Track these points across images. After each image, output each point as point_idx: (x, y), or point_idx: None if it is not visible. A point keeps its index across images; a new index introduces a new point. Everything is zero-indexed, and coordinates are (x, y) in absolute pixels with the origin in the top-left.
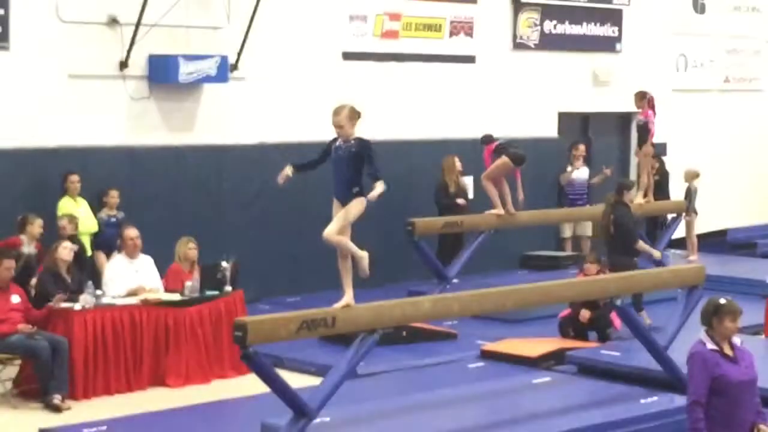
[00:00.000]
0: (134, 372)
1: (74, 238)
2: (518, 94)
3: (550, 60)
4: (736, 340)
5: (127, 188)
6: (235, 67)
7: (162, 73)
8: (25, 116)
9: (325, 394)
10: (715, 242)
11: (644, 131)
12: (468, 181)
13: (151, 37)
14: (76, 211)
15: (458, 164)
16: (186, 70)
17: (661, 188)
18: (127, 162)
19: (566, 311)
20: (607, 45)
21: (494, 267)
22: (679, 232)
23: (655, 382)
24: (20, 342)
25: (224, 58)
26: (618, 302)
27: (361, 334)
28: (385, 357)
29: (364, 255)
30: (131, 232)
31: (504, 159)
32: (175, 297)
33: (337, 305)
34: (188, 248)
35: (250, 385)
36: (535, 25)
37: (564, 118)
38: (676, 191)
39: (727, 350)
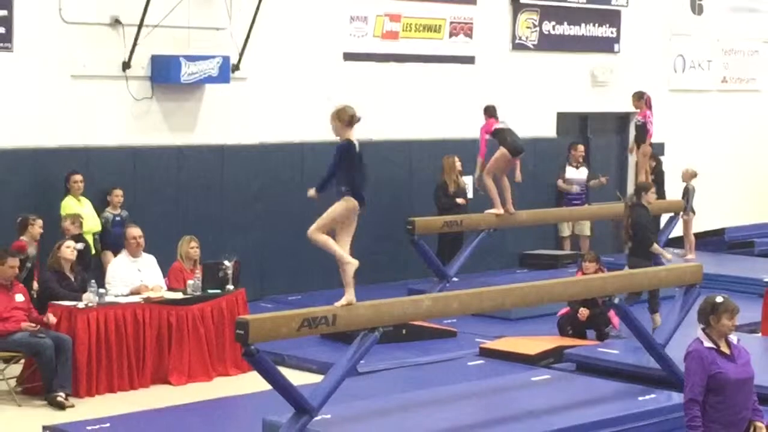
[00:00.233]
0: (137, 370)
1: (79, 237)
2: (517, 95)
3: (548, 60)
4: (733, 338)
5: (129, 188)
6: (236, 67)
7: (164, 74)
8: (29, 116)
9: (326, 392)
10: (713, 241)
11: (642, 131)
12: (468, 181)
13: (154, 38)
14: (80, 211)
15: (458, 164)
16: (188, 71)
17: (657, 188)
18: (130, 162)
19: (565, 309)
20: (606, 46)
21: (493, 266)
22: (677, 232)
23: (652, 379)
24: (24, 340)
25: (226, 59)
26: (616, 300)
27: (361, 332)
28: (386, 355)
29: (351, 261)
30: (134, 231)
31: (502, 151)
32: (178, 295)
33: (338, 303)
34: (190, 247)
35: (252, 382)
36: (534, 25)
37: (562, 119)
38: (674, 191)
39: (724, 348)
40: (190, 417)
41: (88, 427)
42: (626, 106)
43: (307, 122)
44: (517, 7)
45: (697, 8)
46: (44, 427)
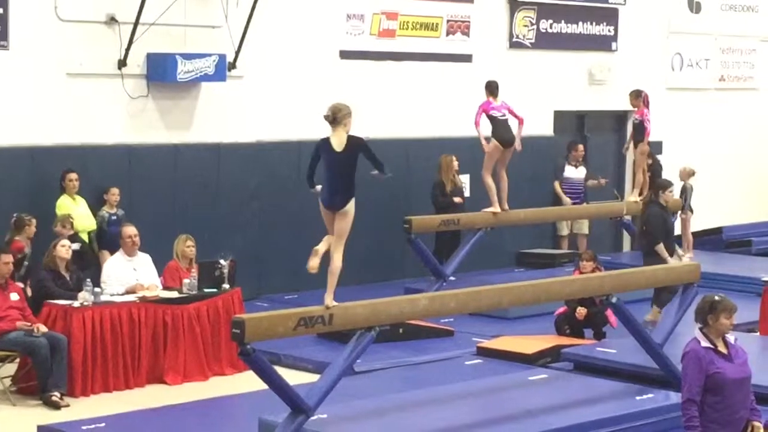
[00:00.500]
0: (133, 369)
1: (75, 237)
2: (514, 93)
3: (546, 59)
4: (731, 337)
5: (125, 186)
6: (232, 65)
7: (160, 72)
8: (24, 114)
9: (322, 391)
10: (711, 240)
11: (640, 129)
12: (465, 180)
13: (150, 36)
14: (75, 210)
15: (455, 163)
16: (184, 69)
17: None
18: (125, 160)
19: (562, 308)
20: (603, 44)
21: (491, 265)
22: (675, 230)
23: (650, 379)
24: (19, 339)
25: (222, 57)
26: (614, 299)
27: (358, 331)
28: (382, 354)
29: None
30: (130, 230)
31: (494, 143)
32: (174, 294)
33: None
34: (186, 246)
35: (248, 382)
36: (532, 24)
37: (560, 117)
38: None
39: (722, 348)
40: (185, 417)
41: (84, 427)
42: (624, 104)
43: (303, 120)
44: (514, 6)
45: (694, 6)
46: (39, 427)
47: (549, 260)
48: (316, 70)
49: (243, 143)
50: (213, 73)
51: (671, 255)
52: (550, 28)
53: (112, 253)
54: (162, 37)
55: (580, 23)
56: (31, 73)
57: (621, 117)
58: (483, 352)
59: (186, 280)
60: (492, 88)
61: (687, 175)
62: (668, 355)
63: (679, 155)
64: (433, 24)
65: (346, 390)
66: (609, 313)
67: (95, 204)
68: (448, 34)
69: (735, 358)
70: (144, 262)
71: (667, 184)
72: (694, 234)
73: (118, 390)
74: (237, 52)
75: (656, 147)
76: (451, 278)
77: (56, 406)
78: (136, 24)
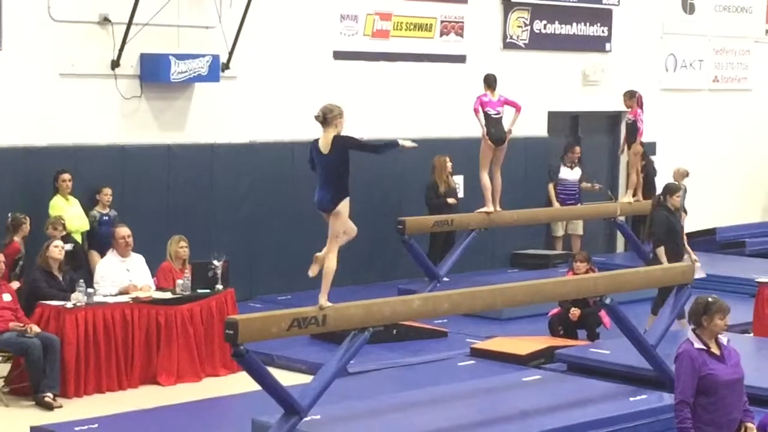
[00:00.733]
0: (126, 370)
1: (68, 238)
2: (508, 94)
3: (540, 59)
4: (723, 338)
5: (118, 187)
6: (226, 66)
7: (153, 72)
8: (17, 115)
9: (315, 392)
10: (705, 241)
11: (633, 130)
12: (458, 181)
13: (143, 37)
14: (68, 210)
15: (449, 164)
16: (177, 69)
17: (646, 187)
18: (119, 161)
19: (556, 310)
20: (597, 45)
21: (484, 265)
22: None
23: (644, 380)
24: (12, 340)
25: (215, 58)
26: (607, 300)
27: (351, 332)
28: (376, 355)
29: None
30: (123, 231)
31: (486, 141)
32: (167, 295)
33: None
34: (179, 246)
35: (241, 382)
36: (525, 24)
37: (554, 118)
38: None
39: (715, 349)
40: (179, 417)
41: (77, 428)
42: (617, 105)
43: (297, 121)
44: (508, 6)
45: (688, 7)
46: (32, 428)
47: (543, 261)
48: (310, 70)
49: (236, 144)
50: (206, 73)
51: (681, 257)
52: (544, 28)
53: (101, 253)
54: (155, 37)
55: (574, 24)
56: (24, 73)
57: (615, 118)
58: (476, 353)
59: (179, 281)
60: (489, 82)
61: (681, 175)
62: (662, 356)
63: (672, 156)
64: (426, 24)
65: (339, 391)
66: (602, 314)
67: (88, 204)
68: (441, 35)
69: (728, 360)
70: (137, 262)
71: (675, 188)
72: (688, 235)
73: (111, 391)
74: (230, 53)
75: (650, 148)
76: (445, 279)
77: (49, 407)
78: (129, 24)
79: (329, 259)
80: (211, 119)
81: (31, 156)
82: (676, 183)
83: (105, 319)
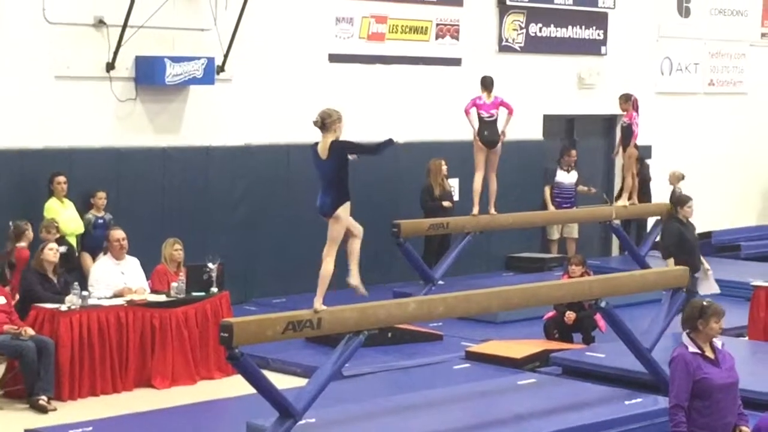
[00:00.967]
0: (120, 373)
1: (62, 240)
2: (504, 97)
3: (535, 63)
4: (718, 342)
5: (113, 189)
6: (221, 68)
7: (148, 75)
8: (12, 117)
9: (310, 395)
10: (700, 244)
11: (628, 133)
12: (454, 184)
13: (138, 39)
14: (63, 213)
15: (444, 167)
16: (172, 72)
17: (641, 191)
18: (114, 163)
19: (551, 313)
20: (593, 48)
21: (480, 269)
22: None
23: (639, 383)
24: (6, 342)
25: (211, 60)
26: (603, 304)
27: (346, 335)
28: (371, 358)
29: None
30: (118, 234)
31: (477, 143)
32: (161, 298)
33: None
34: (174, 249)
35: (236, 385)
36: (521, 27)
37: (549, 121)
38: (661, 194)
39: (709, 353)
40: (173, 420)
41: (71, 431)
42: (613, 108)
43: (292, 124)
44: (503, 9)
45: (684, 11)
46: (26, 431)
47: (538, 264)
48: (305, 73)
49: (231, 146)
50: (201, 76)
51: (697, 270)
52: (540, 31)
53: (94, 256)
54: (150, 40)
55: (570, 27)
56: (19, 75)
57: (610, 121)
58: (472, 357)
59: (174, 284)
60: (486, 83)
61: (676, 179)
62: (656, 359)
63: (668, 159)
64: (422, 27)
65: (334, 394)
66: (598, 317)
67: (83, 207)
68: (437, 38)
69: (722, 363)
70: (132, 265)
71: (686, 199)
72: None
73: (105, 394)
74: (226, 56)
75: (645, 151)
76: (440, 282)
77: (43, 410)
78: (124, 27)
79: (326, 263)
80: (207, 122)
81: (26, 158)
82: (686, 195)
83: (99, 322)
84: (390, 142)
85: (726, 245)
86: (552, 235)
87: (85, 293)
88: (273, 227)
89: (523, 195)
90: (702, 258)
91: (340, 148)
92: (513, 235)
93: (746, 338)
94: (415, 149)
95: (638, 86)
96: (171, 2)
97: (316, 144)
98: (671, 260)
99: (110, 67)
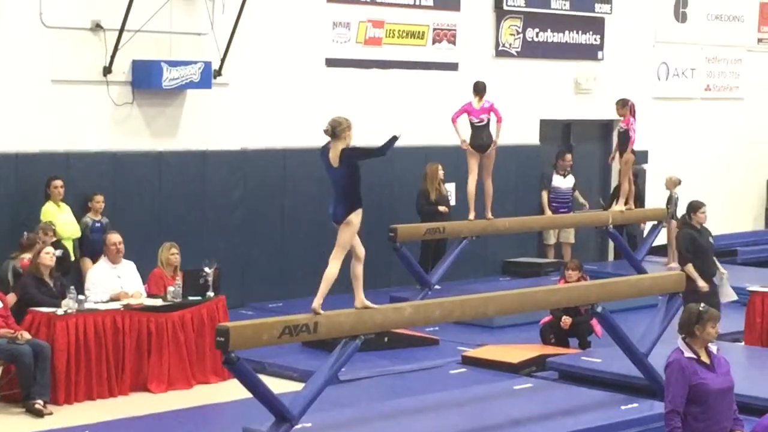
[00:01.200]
0: (116, 377)
1: (58, 244)
2: (500, 102)
3: (532, 67)
4: (713, 347)
5: (109, 193)
6: (218, 73)
7: (145, 79)
8: (9, 121)
9: (306, 400)
10: None
11: (625, 138)
12: (450, 188)
13: (135, 43)
14: (60, 217)
15: (441, 172)
16: (169, 76)
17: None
18: (110, 167)
19: (547, 318)
20: (589, 53)
21: (476, 273)
22: (661, 240)
23: (635, 388)
24: (2, 346)
25: (208, 64)
26: (599, 309)
27: (343, 339)
28: (367, 363)
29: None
30: (114, 238)
31: (468, 149)
32: (158, 302)
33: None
34: (171, 253)
35: (233, 390)
36: (518, 32)
37: (546, 126)
38: (658, 199)
39: (705, 358)
40: (169, 425)
41: None
42: (609, 113)
43: (289, 128)
44: (500, 14)
45: (680, 16)
46: None
47: (534, 269)
48: (302, 77)
49: (228, 151)
50: (198, 80)
51: (712, 275)
52: (537, 36)
53: (94, 260)
54: (147, 44)
55: (567, 32)
56: (15, 79)
57: (607, 126)
58: (468, 361)
59: (170, 288)
60: (477, 89)
61: (673, 184)
62: (653, 364)
63: (665, 164)
64: (419, 32)
65: (330, 399)
66: (594, 322)
67: (79, 211)
68: (434, 43)
69: (718, 368)
70: (128, 269)
71: (699, 205)
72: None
73: (101, 398)
74: (222, 60)
75: (642, 156)
76: (437, 287)
77: (39, 414)
78: (121, 31)
79: (331, 266)
80: (203, 126)
81: (22, 162)
82: (699, 201)
83: (96, 326)
84: (394, 139)
85: (723, 250)
86: (548, 240)
87: (81, 297)
88: (269, 232)
89: (519, 200)
90: (718, 264)
91: (350, 156)
92: (509, 239)
93: (742, 343)
94: (412, 154)
95: (635, 91)
96: (168, 6)
97: (324, 147)
98: (689, 266)
99: (107, 71)
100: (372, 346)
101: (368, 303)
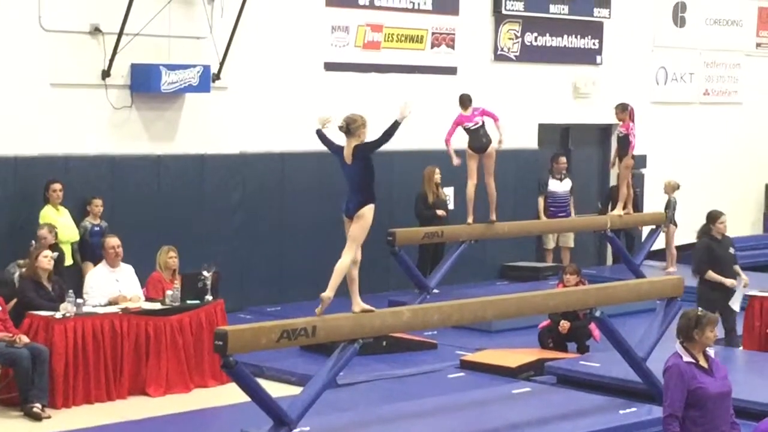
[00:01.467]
0: (114, 381)
1: (54, 247)
2: (499, 106)
3: (530, 72)
4: (710, 351)
5: (108, 197)
6: (217, 76)
7: (144, 82)
8: (7, 124)
9: (305, 404)
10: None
11: (625, 143)
12: (449, 193)
13: (134, 47)
14: (58, 220)
15: (437, 175)
16: (168, 80)
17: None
18: (109, 171)
19: (546, 322)
20: (588, 57)
21: (474, 277)
22: (659, 244)
23: (633, 393)
24: (0, 350)
25: (206, 68)
26: (597, 313)
27: (341, 343)
28: (365, 367)
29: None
30: (113, 241)
31: (470, 152)
32: (156, 306)
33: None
34: (169, 257)
35: (231, 394)
36: (516, 37)
37: (544, 130)
38: (657, 203)
39: (703, 362)
40: (167, 429)
41: None
42: (608, 117)
43: (287, 132)
44: (499, 18)
45: (679, 21)
46: None
47: (533, 273)
48: (301, 81)
49: (227, 155)
50: (197, 84)
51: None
52: (535, 41)
53: (95, 264)
54: (146, 47)
55: (565, 36)
56: (14, 82)
57: (605, 130)
58: (466, 365)
59: (169, 292)
60: (462, 101)
61: (671, 188)
62: (651, 369)
63: (663, 169)
64: (418, 36)
65: (328, 403)
66: (592, 326)
67: (78, 215)
68: (433, 47)
69: (716, 373)
70: (127, 273)
71: (718, 215)
72: (678, 248)
73: (99, 401)
74: (221, 64)
75: (641, 161)
76: (435, 291)
77: (37, 418)
78: (120, 34)
79: (343, 258)
80: (202, 130)
81: (21, 165)
82: (718, 210)
83: (94, 330)
84: (397, 123)
85: None
86: (547, 244)
87: (79, 301)
88: (268, 235)
89: (518, 204)
90: (740, 272)
91: (363, 151)
92: (508, 243)
93: (740, 348)
94: (410, 158)
95: (633, 96)
96: (167, 10)
97: (342, 148)
98: (710, 272)
99: (106, 74)
100: (370, 350)
101: (366, 306)
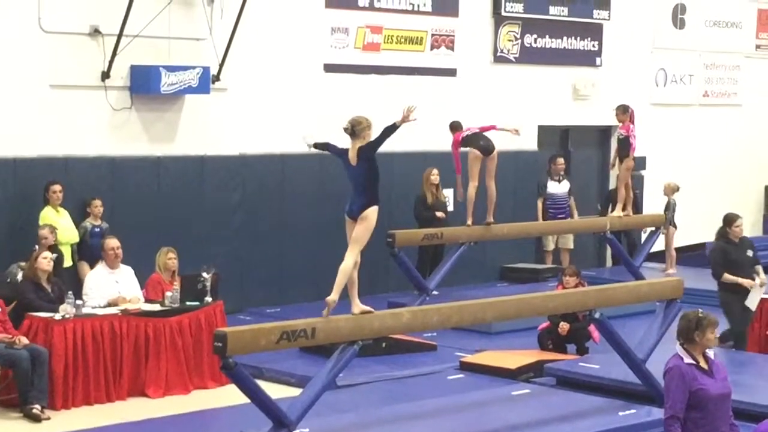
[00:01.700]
0: (114, 382)
1: (53, 248)
2: (499, 107)
3: (530, 73)
4: (710, 353)
5: (107, 198)
6: (216, 78)
7: (144, 84)
8: (7, 126)
9: (304, 405)
10: (694, 256)
11: (625, 145)
12: (447, 194)
13: (133, 48)
14: (58, 222)
15: (434, 176)
16: (168, 81)
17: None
18: (109, 172)
19: (545, 324)
20: (587, 59)
21: (474, 279)
22: (659, 246)
23: (633, 394)
24: (0, 351)
25: (206, 69)
26: (597, 315)
27: (341, 345)
28: (365, 368)
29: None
30: (112, 243)
31: (473, 152)
32: (156, 307)
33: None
34: (168, 258)
35: (230, 395)
36: (516, 38)
37: (544, 132)
38: (656, 205)
39: (703, 364)
40: (167, 430)
41: None
42: (608, 119)
43: (287, 133)
44: (498, 20)
45: (678, 22)
46: None
47: (532, 275)
48: (301, 83)
49: (226, 156)
50: (197, 85)
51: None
52: (535, 42)
53: (91, 265)
54: (146, 49)
55: (565, 38)
56: (14, 84)
57: (605, 132)
58: (466, 367)
59: (168, 293)
60: (456, 126)
61: (671, 190)
62: (650, 370)
63: (663, 171)
64: (417, 38)
65: (328, 404)
66: (592, 328)
67: (77, 216)
68: (432, 48)
69: (716, 374)
70: (126, 274)
71: (734, 218)
72: (678, 249)
73: (99, 403)
74: (221, 65)
75: (640, 162)
76: (434, 292)
77: (37, 419)
78: (119, 36)
79: (346, 259)
80: (202, 131)
81: (21, 167)
82: (735, 213)
83: (93, 331)
84: (394, 127)
85: None
86: (547, 245)
87: (79, 302)
88: (267, 237)
89: (518, 205)
90: (760, 273)
91: (366, 152)
92: (508, 245)
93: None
94: (410, 160)
95: (633, 97)
96: (166, 11)
97: (344, 150)
98: (726, 275)
99: (105, 76)
100: (370, 351)
101: (365, 307)
